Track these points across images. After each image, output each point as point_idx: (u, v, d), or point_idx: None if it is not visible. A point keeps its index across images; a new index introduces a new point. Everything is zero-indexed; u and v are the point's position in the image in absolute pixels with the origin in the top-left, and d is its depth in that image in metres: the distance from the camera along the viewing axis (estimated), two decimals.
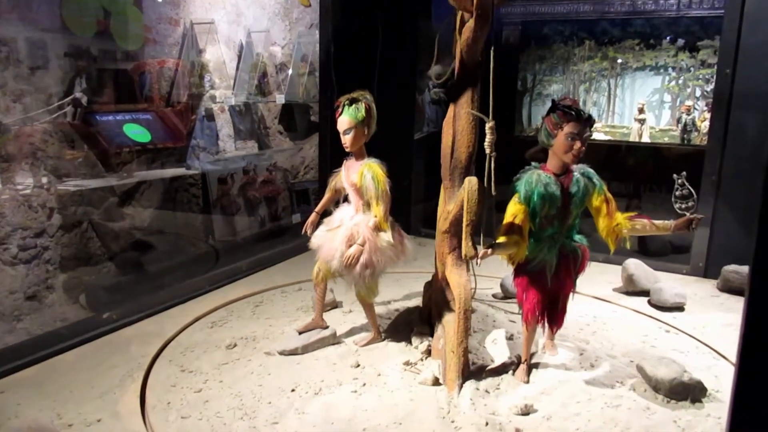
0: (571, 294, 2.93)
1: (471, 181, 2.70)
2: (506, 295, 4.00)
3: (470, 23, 2.63)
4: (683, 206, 2.71)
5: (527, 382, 2.87)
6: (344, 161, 3.20)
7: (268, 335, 3.43)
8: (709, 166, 4.42)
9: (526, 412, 2.60)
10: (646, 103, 5.54)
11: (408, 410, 2.64)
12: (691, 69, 5.33)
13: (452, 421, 2.55)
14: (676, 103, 5.44)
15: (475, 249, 2.63)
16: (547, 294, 2.83)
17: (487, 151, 2.66)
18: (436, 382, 2.85)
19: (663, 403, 2.69)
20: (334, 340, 3.33)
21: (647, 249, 4.89)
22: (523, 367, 2.92)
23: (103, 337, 3.29)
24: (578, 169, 2.77)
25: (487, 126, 2.66)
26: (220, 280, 4.22)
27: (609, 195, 2.76)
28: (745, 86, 4.19)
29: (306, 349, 3.21)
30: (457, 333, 2.78)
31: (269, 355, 3.18)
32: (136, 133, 4.26)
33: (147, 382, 2.84)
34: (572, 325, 3.50)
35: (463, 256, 2.71)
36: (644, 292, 4.03)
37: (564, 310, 2.92)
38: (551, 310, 2.88)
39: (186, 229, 4.93)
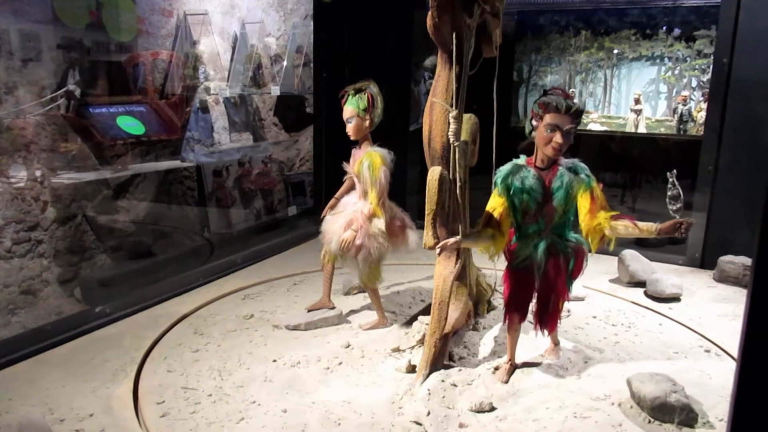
0: (566, 297, 2.76)
1: (433, 171, 2.70)
2: None
3: (431, 11, 2.60)
4: (673, 208, 2.64)
5: (506, 382, 2.76)
6: (352, 150, 3.30)
7: (287, 311, 3.61)
8: (706, 156, 4.40)
9: (481, 409, 2.52)
10: (642, 94, 5.53)
11: (364, 392, 2.70)
12: (687, 59, 5.31)
13: (399, 408, 2.55)
14: (672, 94, 5.43)
15: (436, 239, 2.61)
16: (531, 294, 2.73)
17: (451, 140, 2.64)
18: (411, 370, 2.84)
19: (643, 423, 2.46)
20: (338, 320, 3.45)
21: (643, 239, 4.87)
22: (505, 366, 2.83)
23: (96, 331, 3.27)
24: (566, 164, 2.64)
25: (450, 115, 2.63)
26: (215, 273, 4.20)
27: (597, 193, 2.59)
28: (743, 75, 4.17)
29: (308, 326, 3.37)
30: (431, 324, 2.80)
31: (276, 328, 3.38)
32: (130, 125, 4.24)
33: (140, 375, 2.82)
34: (599, 332, 3.38)
35: (423, 246, 2.71)
36: (641, 283, 4.02)
37: (555, 313, 2.76)
38: (541, 312, 2.75)
39: (181, 222, 4.92)
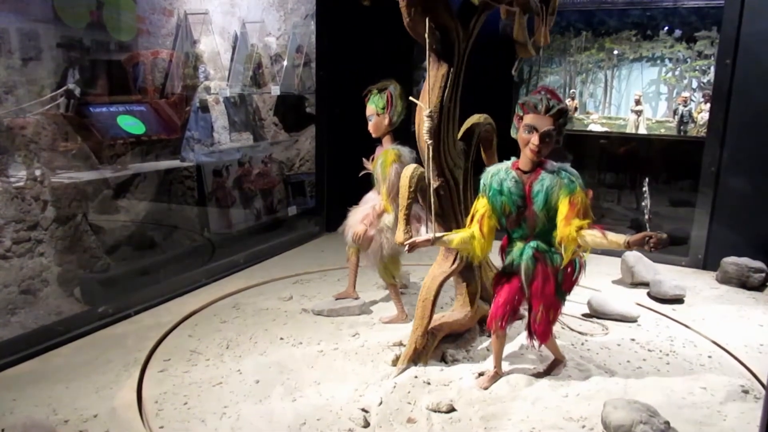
0: (559, 309, 2.61)
1: (408, 168, 2.75)
2: (592, 314, 3.59)
3: (402, 10, 2.55)
4: (646, 218, 2.56)
5: (485, 388, 2.66)
6: (376, 147, 3.43)
7: (323, 297, 3.78)
8: (708, 157, 4.40)
9: (437, 409, 2.47)
10: (642, 95, 5.52)
11: (339, 378, 2.77)
12: (688, 60, 5.31)
13: (361, 395, 2.60)
14: (673, 95, 5.42)
15: (408, 235, 2.61)
16: (515, 300, 2.60)
17: (425, 138, 2.62)
18: (396, 363, 2.87)
19: None
20: (360, 311, 3.57)
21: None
22: (488, 373, 2.74)
23: (98, 331, 3.25)
24: (551, 168, 2.51)
25: (425, 114, 2.62)
26: (217, 273, 4.18)
27: (578, 200, 2.42)
28: (745, 76, 4.17)
29: (330, 313, 3.53)
30: (414, 320, 2.85)
31: (304, 311, 3.58)
32: (130, 124, 4.21)
33: (144, 376, 2.80)
34: (626, 355, 3.08)
35: (395, 241, 2.74)
36: (644, 284, 4.02)
37: (545, 324, 2.58)
38: (531, 322, 2.61)
39: (181, 222, 4.89)
